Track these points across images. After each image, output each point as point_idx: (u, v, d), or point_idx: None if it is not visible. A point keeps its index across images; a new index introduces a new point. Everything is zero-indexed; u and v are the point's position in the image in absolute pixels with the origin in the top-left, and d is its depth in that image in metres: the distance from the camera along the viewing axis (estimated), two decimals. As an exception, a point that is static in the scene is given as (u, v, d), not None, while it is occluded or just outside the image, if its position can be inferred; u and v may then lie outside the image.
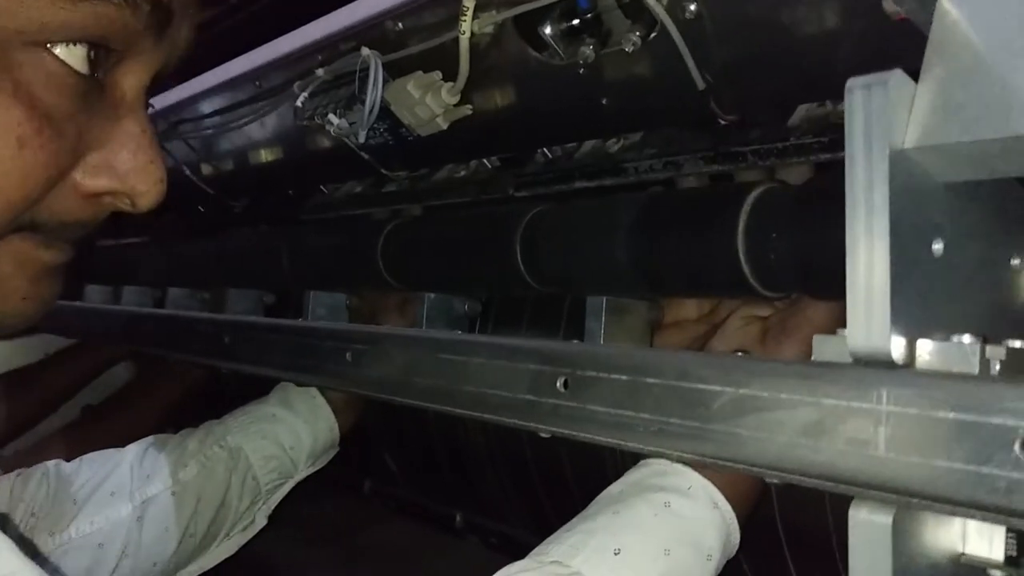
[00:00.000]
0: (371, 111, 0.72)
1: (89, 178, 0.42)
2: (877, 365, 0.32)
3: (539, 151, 0.76)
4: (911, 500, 0.30)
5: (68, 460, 1.27)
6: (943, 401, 0.29)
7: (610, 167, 0.68)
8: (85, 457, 0.97)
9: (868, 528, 0.31)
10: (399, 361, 0.53)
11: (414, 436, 1.02)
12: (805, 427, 0.33)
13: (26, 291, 0.43)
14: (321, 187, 1.07)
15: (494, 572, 0.51)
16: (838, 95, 0.55)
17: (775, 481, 0.35)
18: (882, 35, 0.49)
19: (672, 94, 0.60)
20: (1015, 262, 0.38)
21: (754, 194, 0.52)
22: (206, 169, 1.20)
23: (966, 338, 0.32)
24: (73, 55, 0.38)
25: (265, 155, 1.07)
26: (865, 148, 0.32)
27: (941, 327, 0.33)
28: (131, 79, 0.42)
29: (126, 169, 0.43)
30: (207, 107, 1.06)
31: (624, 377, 0.40)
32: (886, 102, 0.31)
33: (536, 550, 0.55)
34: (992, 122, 0.31)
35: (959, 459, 0.28)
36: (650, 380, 0.38)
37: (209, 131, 1.09)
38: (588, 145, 0.73)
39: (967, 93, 0.31)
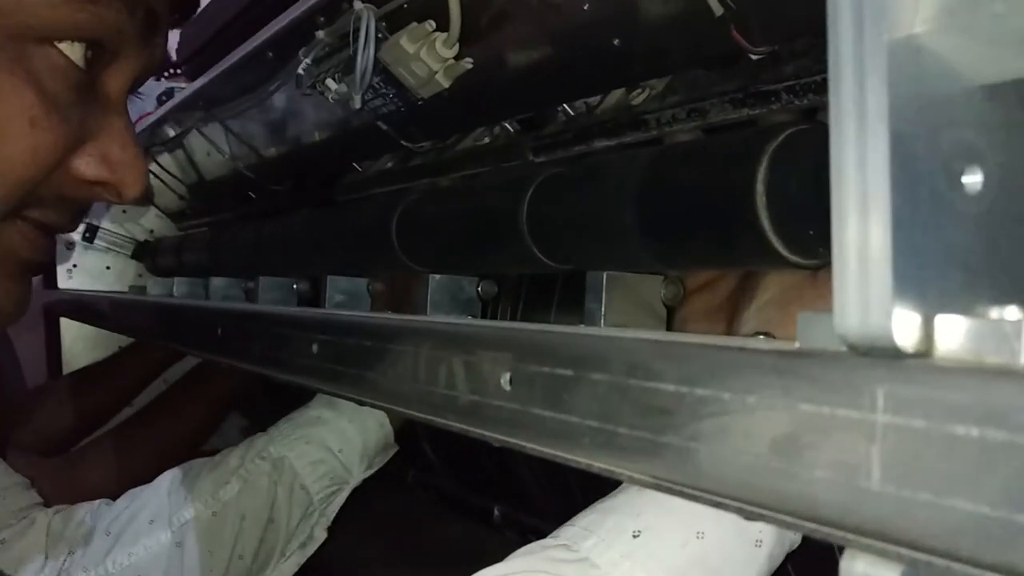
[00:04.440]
0: (364, 71, 0.65)
1: (85, 165, 0.46)
2: (876, 354, 0.22)
3: (560, 109, 0.67)
4: (916, 556, 0.20)
5: (129, 452, 1.26)
6: (965, 409, 0.19)
7: (629, 121, 0.58)
8: (127, 493, 0.94)
9: (865, 591, 0.21)
10: (356, 354, 0.46)
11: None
12: (775, 443, 0.23)
13: (5, 287, 0.47)
14: (355, 165, 1.01)
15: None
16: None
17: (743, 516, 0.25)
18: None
19: (688, 26, 0.50)
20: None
21: (778, 138, 0.42)
22: (246, 155, 1.15)
23: (1011, 312, 0.22)
24: (74, 51, 0.43)
25: (297, 135, 1.01)
26: (855, 37, 0.22)
27: (975, 298, 0.22)
28: (118, 79, 0.47)
29: (116, 161, 0.47)
30: (232, 87, 1.01)
31: (569, 372, 0.30)
32: (880, -37, 0.21)
33: (552, 534, 0.48)
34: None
35: (986, 500, 0.18)
36: (596, 376, 0.29)
37: (240, 111, 1.04)
38: (612, 99, 0.63)
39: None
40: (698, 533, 0.44)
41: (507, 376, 0.34)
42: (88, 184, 0.47)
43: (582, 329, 0.34)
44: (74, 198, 0.48)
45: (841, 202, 0.22)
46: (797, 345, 0.25)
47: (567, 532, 0.47)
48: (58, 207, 0.48)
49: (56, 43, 0.42)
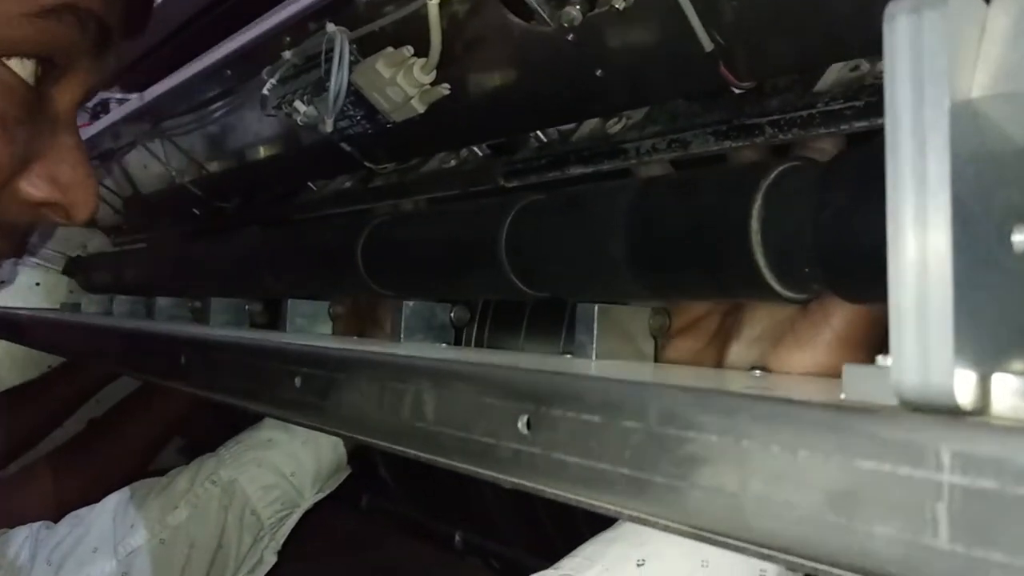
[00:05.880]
0: (337, 95, 0.64)
1: (33, 187, 0.44)
2: (933, 411, 0.22)
3: (532, 135, 0.67)
4: (993, 618, 0.20)
5: (69, 476, 1.21)
6: (1038, 471, 0.20)
7: (608, 149, 0.59)
8: (70, 514, 0.90)
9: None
10: (348, 390, 0.45)
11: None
12: (832, 498, 0.23)
13: None
14: (310, 184, 0.99)
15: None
16: (875, 51, 0.46)
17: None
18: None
19: (675, 59, 0.51)
20: None
21: (771, 175, 0.42)
22: (192, 170, 1.13)
23: (1065, 371, 0.23)
24: (24, 68, 0.41)
25: (249, 152, 0.99)
26: (914, 99, 0.22)
27: (1027, 355, 0.23)
28: (68, 95, 0.45)
29: (66, 182, 0.45)
30: (186, 102, 0.98)
31: (597, 418, 0.30)
32: (944, 31, 0.21)
33: (553, 565, 0.48)
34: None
35: (1068, 562, 0.19)
36: (629, 424, 0.29)
37: (190, 128, 1.01)
38: (587, 127, 0.64)
39: (1062, 14, 0.22)
40: (703, 562, 0.44)
41: (524, 419, 0.34)
42: (36, 206, 0.45)
43: (610, 374, 0.34)
44: (19, 222, 0.46)
45: (899, 263, 0.22)
46: (843, 396, 0.25)
47: (569, 563, 0.46)
48: (2, 232, 0.46)
49: (4, 60, 0.40)
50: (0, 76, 0.40)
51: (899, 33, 0.22)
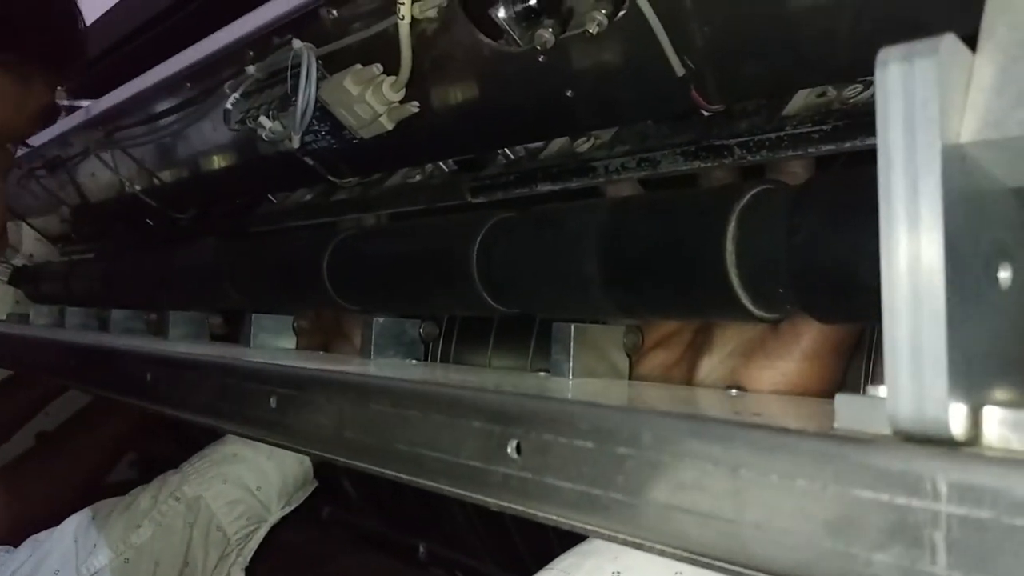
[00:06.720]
0: (304, 112, 0.63)
1: None
2: (927, 442, 0.23)
3: (500, 152, 0.67)
4: (990, 643, 0.21)
5: (20, 493, 1.18)
6: (1031, 501, 0.21)
7: (576, 167, 0.59)
8: (30, 538, 0.88)
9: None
10: (327, 411, 0.44)
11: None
12: (830, 526, 0.24)
13: None
14: (270, 196, 0.98)
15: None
16: (842, 78, 0.47)
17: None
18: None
19: (647, 83, 0.51)
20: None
21: (746, 197, 0.43)
22: (146, 180, 1.11)
23: (1050, 402, 0.24)
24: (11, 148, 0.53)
25: (206, 163, 0.98)
26: (907, 143, 0.23)
27: (1012, 387, 0.24)
28: None
29: None
30: (141, 113, 0.97)
31: (590, 444, 0.31)
32: (935, 78, 0.22)
33: None
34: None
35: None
36: (622, 450, 0.30)
37: (145, 139, 1.00)
38: (555, 145, 0.64)
39: (1044, 63, 0.23)
40: (677, 573, 0.44)
41: (514, 443, 0.34)
42: None
43: (600, 399, 0.34)
44: None
45: (894, 298, 0.23)
46: (835, 425, 0.26)
47: None
48: None
49: (7, 146, 0.52)
50: (6, 160, 0.53)
51: (891, 79, 0.23)
